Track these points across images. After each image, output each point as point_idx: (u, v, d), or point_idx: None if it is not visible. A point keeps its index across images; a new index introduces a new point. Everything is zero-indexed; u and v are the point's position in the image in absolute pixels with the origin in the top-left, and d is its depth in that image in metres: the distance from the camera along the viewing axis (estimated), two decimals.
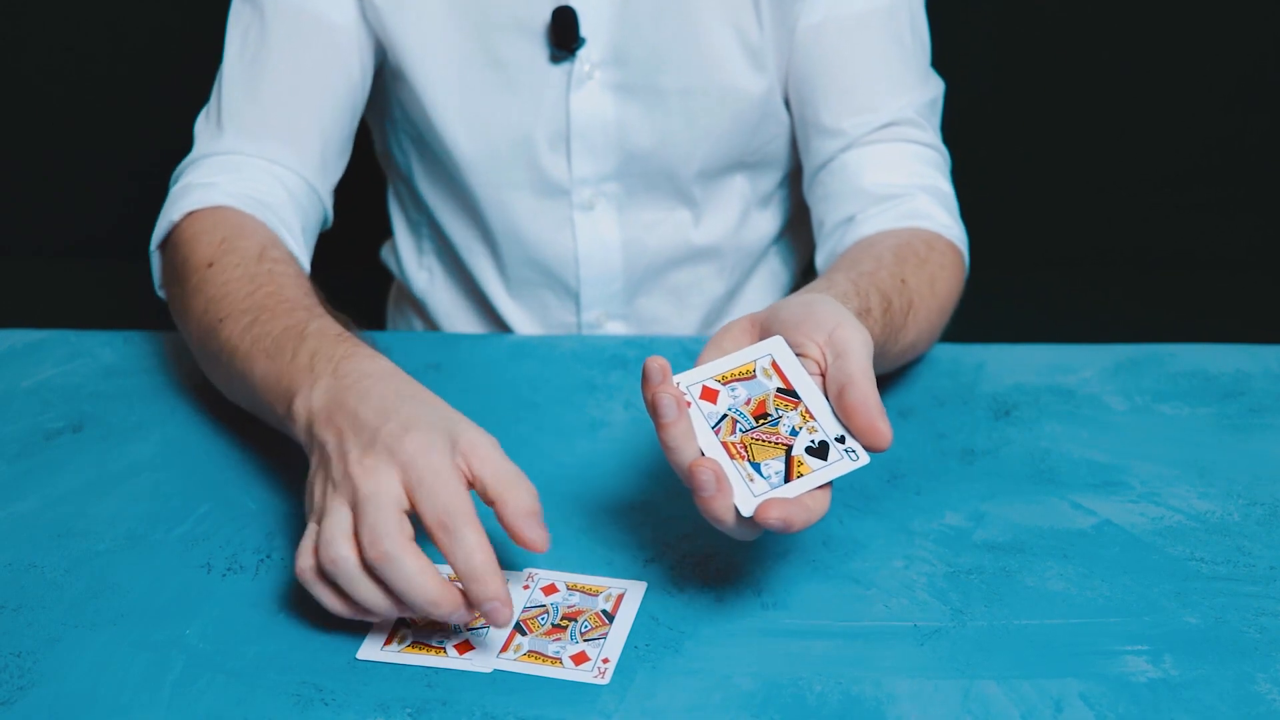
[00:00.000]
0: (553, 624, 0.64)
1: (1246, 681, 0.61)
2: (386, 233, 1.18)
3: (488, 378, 0.90)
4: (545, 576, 0.68)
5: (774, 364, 0.64)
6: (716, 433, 0.62)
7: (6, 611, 0.66)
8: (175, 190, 0.89)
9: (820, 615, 0.66)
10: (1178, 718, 0.59)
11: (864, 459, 0.61)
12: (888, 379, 0.87)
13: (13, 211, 2.08)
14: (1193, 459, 0.80)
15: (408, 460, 0.60)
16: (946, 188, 0.93)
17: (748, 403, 0.63)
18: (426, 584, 0.59)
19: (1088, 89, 2.00)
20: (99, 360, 0.92)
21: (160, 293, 0.90)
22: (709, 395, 0.63)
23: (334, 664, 0.62)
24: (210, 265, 0.80)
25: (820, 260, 0.94)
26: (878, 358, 0.76)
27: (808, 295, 0.68)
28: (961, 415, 0.85)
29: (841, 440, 0.62)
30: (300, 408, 0.67)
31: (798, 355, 0.64)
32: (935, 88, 0.97)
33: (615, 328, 1.06)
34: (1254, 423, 0.84)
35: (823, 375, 0.64)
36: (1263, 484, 0.78)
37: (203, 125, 0.93)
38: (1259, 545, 0.72)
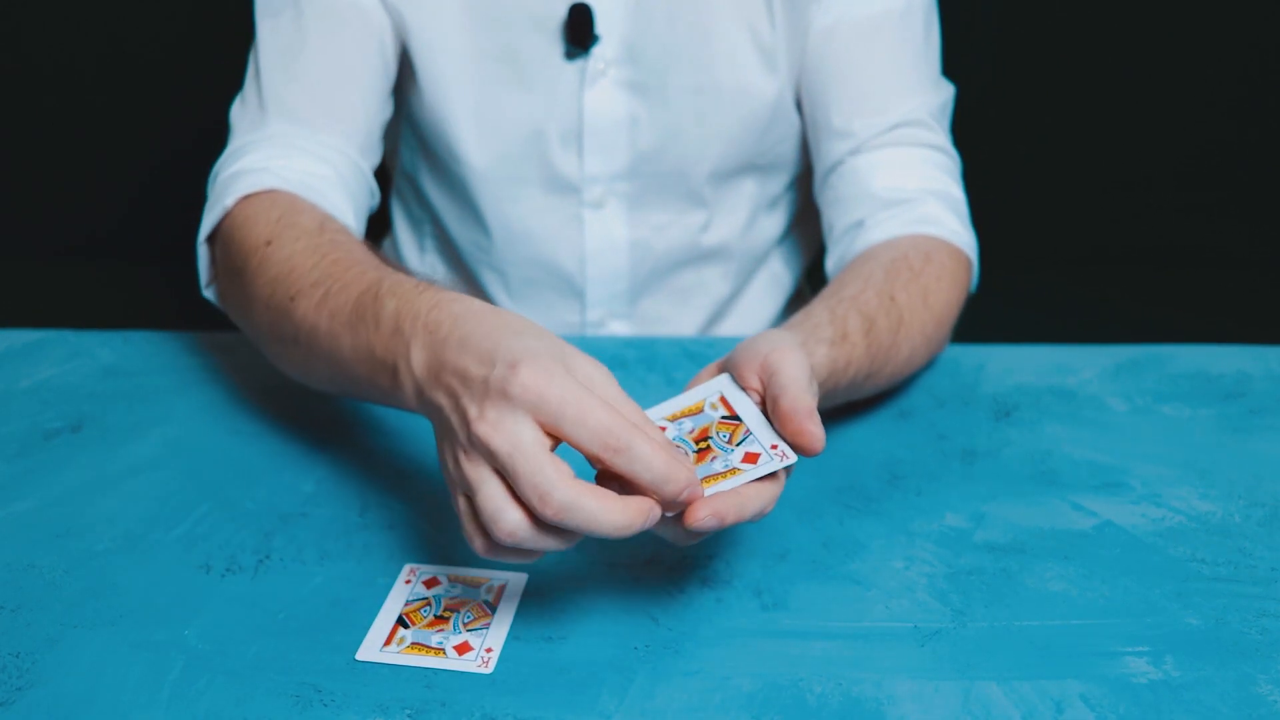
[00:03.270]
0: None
1: (1248, 683, 0.61)
2: (386, 229, 1.18)
3: None
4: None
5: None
6: None
7: (5, 612, 0.65)
8: (224, 178, 0.86)
9: (820, 616, 0.65)
10: (1179, 719, 0.59)
11: (791, 458, 0.62)
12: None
13: (13, 212, 2.08)
14: (1194, 460, 0.80)
15: (534, 400, 0.55)
16: (957, 193, 0.93)
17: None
18: (613, 515, 0.55)
19: (1088, 90, 2.00)
20: (98, 360, 0.92)
21: (206, 291, 0.88)
22: None
23: (334, 664, 0.62)
24: (269, 243, 0.78)
25: (830, 264, 0.94)
26: (870, 378, 0.78)
27: (761, 333, 0.69)
28: (962, 416, 0.85)
29: (775, 447, 0.63)
30: (405, 377, 0.62)
31: (743, 393, 0.66)
32: (946, 91, 0.97)
33: (618, 327, 1.06)
34: (1255, 424, 0.84)
35: (764, 400, 0.65)
36: (1264, 485, 0.77)
37: (240, 113, 0.92)
38: (1260, 546, 0.72)
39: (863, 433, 0.83)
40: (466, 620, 0.65)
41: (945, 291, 0.85)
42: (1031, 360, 0.92)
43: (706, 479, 0.62)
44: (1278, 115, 2.01)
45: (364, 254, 0.74)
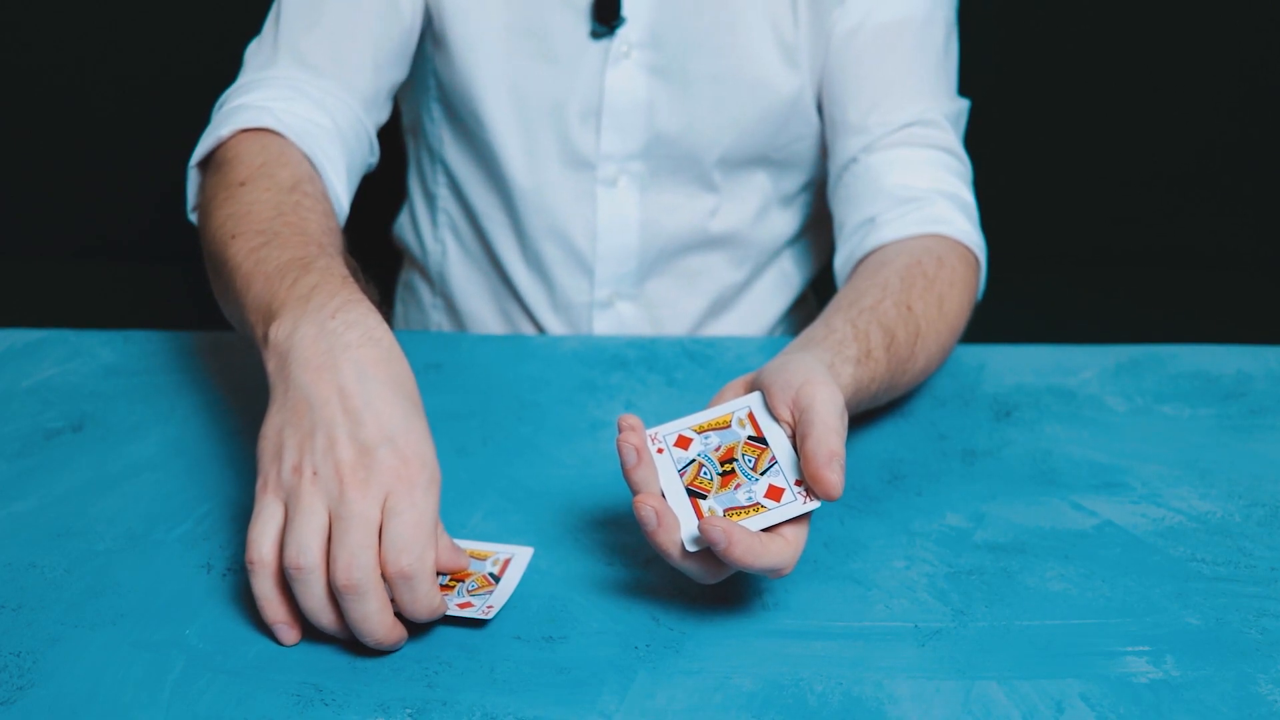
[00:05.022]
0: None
1: (1248, 682, 0.61)
2: (395, 213, 1.18)
3: (488, 378, 0.90)
4: None
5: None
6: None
7: (6, 611, 0.65)
8: (226, 109, 0.89)
9: (821, 615, 0.66)
10: (1179, 718, 0.59)
11: (814, 503, 0.62)
12: None
13: (13, 212, 2.08)
14: (1194, 460, 0.80)
15: (399, 491, 0.60)
16: (968, 196, 0.94)
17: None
18: (380, 626, 0.60)
19: (1088, 89, 2.00)
20: (99, 360, 0.92)
21: (191, 216, 0.89)
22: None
23: (334, 664, 0.62)
24: (243, 184, 0.80)
25: (839, 262, 0.95)
26: (888, 391, 0.78)
27: (789, 355, 0.70)
28: (962, 416, 0.85)
29: (799, 484, 0.63)
30: (281, 334, 0.64)
31: (772, 418, 0.66)
32: (961, 103, 0.99)
33: (625, 308, 1.07)
34: (1255, 424, 0.84)
35: (794, 430, 0.65)
36: (1264, 485, 0.78)
37: (255, 51, 0.94)
38: (1260, 546, 0.72)
39: (863, 433, 0.83)
40: (471, 588, 0.65)
41: (958, 298, 0.86)
42: (1031, 360, 0.92)
43: (729, 511, 0.62)
44: (1278, 116, 2.01)
45: (320, 226, 0.76)
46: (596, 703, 0.59)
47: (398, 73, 0.98)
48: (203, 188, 0.87)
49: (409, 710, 0.59)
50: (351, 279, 0.69)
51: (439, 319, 1.16)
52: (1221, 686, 0.61)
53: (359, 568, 0.58)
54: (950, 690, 0.60)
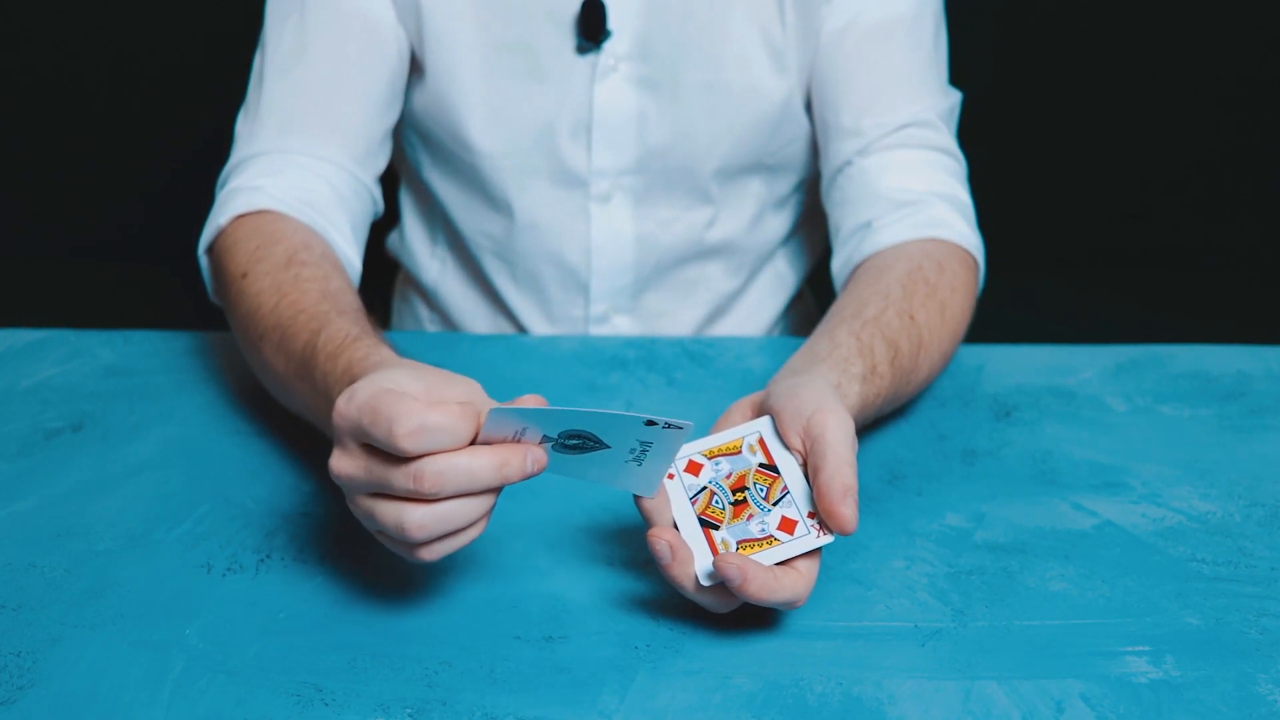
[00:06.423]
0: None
1: (1248, 682, 0.61)
2: (389, 224, 1.18)
3: (489, 379, 0.89)
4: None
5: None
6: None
7: (6, 611, 0.65)
8: (222, 195, 0.89)
9: (821, 615, 0.66)
10: (1179, 718, 0.59)
11: (827, 537, 0.62)
12: None
13: (13, 212, 2.08)
14: (1194, 460, 0.80)
15: (378, 407, 0.57)
16: (965, 197, 0.93)
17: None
18: (461, 425, 0.58)
19: (1088, 90, 2.00)
20: (99, 360, 0.92)
21: (214, 299, 0.90)
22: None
23: (334, 664, 0.62)
24: (244, 276, 0.81)
25: (836, 266, 0.94)
26: (892, 403, 0.78)
27: (796, 378, 0.69)
28: (962, 416, 0.85)
29: (812, 516, 0.63)
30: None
31: (784, 445, 0.66)
32: (953, 97, 0.98)
33: (621, 321, 1.07)
34: (1255, 424, 0.84)
35: (805, 459, 0.65)
36: (1263, 485, 0.78)
37: (243, 125, 0.94)
38: (1260, 546, 0.72)
39: (863, 433, 0.83)
40: (760, 494, 0.65)
41: (959, 304, 0.85)
42: (1031, 360, 0.92)
43: (743, 544, 0.62)
44: (1278, 116, 2.01)
45: (319, 292, 0.77)
46: (596, 703, 0.59)
47: (392, 115, 0.97)
48: (213, 275, 0.89)
49: (409, 710, 0.59)
50: (361, 338, 0.69)
51: (435, 331, 1.15)
52: (1221, 686, 0.61)
53: (395, 417, 0.56)
54: (950, 690, 0.60)
